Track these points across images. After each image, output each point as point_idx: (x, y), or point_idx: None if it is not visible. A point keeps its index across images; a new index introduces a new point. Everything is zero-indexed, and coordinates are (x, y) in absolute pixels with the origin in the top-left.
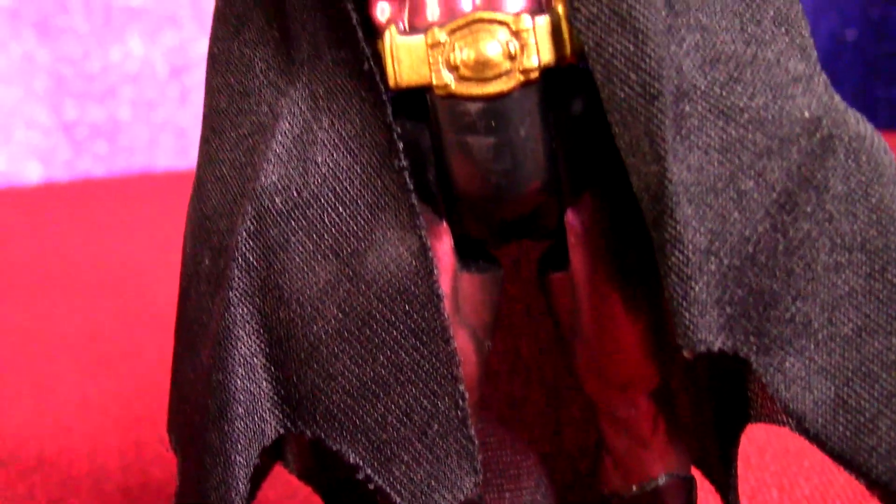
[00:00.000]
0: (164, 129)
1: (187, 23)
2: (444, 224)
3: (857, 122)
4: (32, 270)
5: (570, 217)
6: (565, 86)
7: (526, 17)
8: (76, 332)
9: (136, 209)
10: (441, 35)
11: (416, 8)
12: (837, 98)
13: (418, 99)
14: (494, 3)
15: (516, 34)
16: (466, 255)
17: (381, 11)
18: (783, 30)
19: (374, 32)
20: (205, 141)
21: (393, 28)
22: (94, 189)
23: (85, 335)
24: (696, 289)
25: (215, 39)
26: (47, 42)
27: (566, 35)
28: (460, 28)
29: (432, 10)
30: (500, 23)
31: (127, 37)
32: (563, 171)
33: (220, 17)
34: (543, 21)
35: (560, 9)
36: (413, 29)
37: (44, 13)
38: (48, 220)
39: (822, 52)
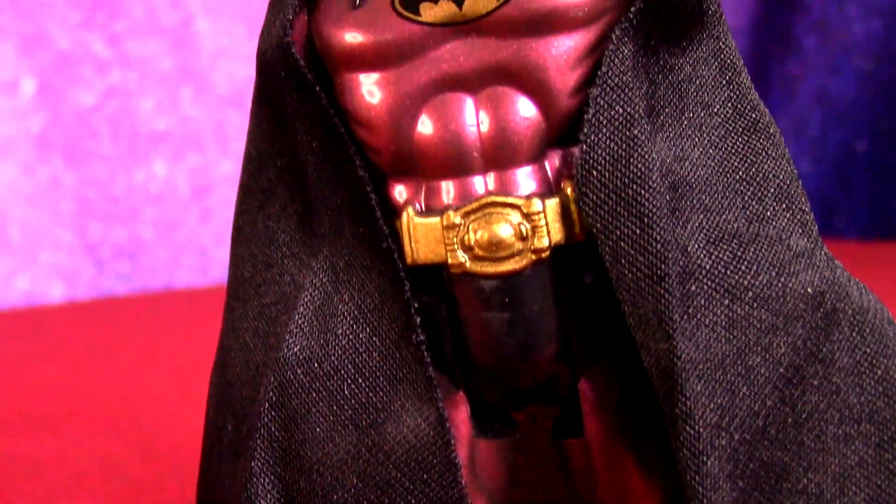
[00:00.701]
0: (185, 248)
1: (210, 145)
2: (461, 393)
3: (860, 295)
4: (51, 395)
5: (584, 385)
6: (576, 260)
7: (537, 202)
8: (96, 463)
9: (156, 326)
10: (456, 218)
11: (432, 190)
12: (839, 270)
13: (435, 271)
14: (507, 186)
15: (528, 217)
16: (482, 419)
17: (399, 193)
18: (784, 206)
19: (392, 210)
20: (229, 309)
21: (410, 209)
22: (116, 307)
23: (105, 466)
24: (709, 463)
25: (240, 212)
26: (74, 166)
27: (575, 216)
28: (474, 211)
29: (447, 193)
30: (513, 206)
31: (151, 159)
32: (576, 342)
33: (245, 191)
34: (553, 203)
35: (569, 190)
36: (429, 209)
37: (72, 138)
38: (69, 341)
39: (833, 164)
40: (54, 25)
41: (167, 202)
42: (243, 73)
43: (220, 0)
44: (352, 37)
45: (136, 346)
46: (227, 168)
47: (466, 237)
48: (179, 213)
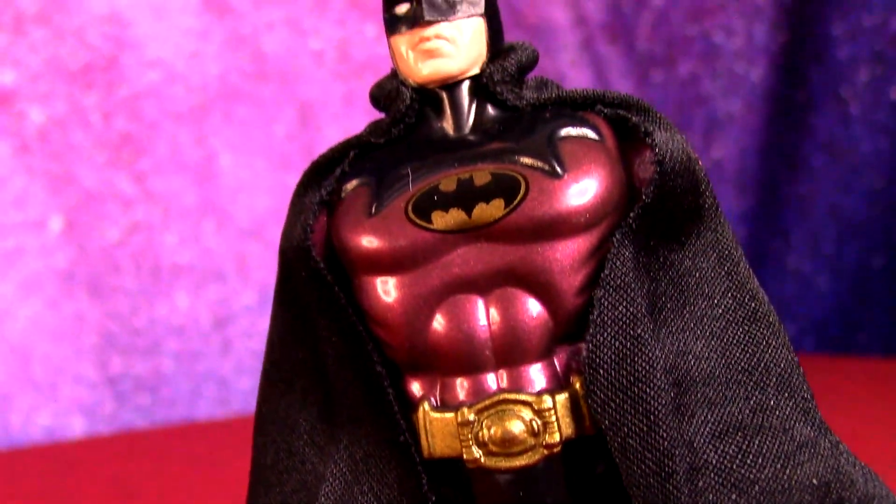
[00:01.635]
0: (206, 380)
1: (231, 277)
2: None
3: (866, 482)
4: None
5: None
6: (587, 450)
7: (547, 399)
8: None
9: (177, 459)
10: (470, 415)
11: (447, 386)
12: (844, 457)
13: (452, 461)
14: (518, 383)
15: (539, 413)
16: None
17: (415, 388)
18: (786, 395)
19: (408, 404)
20: (253, 495)
21: (426, 404)
22: (136, 441)
23: None
24: None
25: (263, 399)
26: (98, 300)
27: (585, 410)
28: (487, 408)
29: (461, 389)
30: (524, 403)
31: (173, 292)
32: None
33: (267, 378)
34: (563, 398)
35: (577, 385)
36: (444, 404)
37: (97, 274)
38: (91, 477)
39: (849, 280)
40: (81, 165)
41: (188, 334)
42: (263, 206)
43: (241, 137)
44: (368, 241)
45: (156, 480)
46: (248, 299)
47: (480, 433)
48: (200, 345)
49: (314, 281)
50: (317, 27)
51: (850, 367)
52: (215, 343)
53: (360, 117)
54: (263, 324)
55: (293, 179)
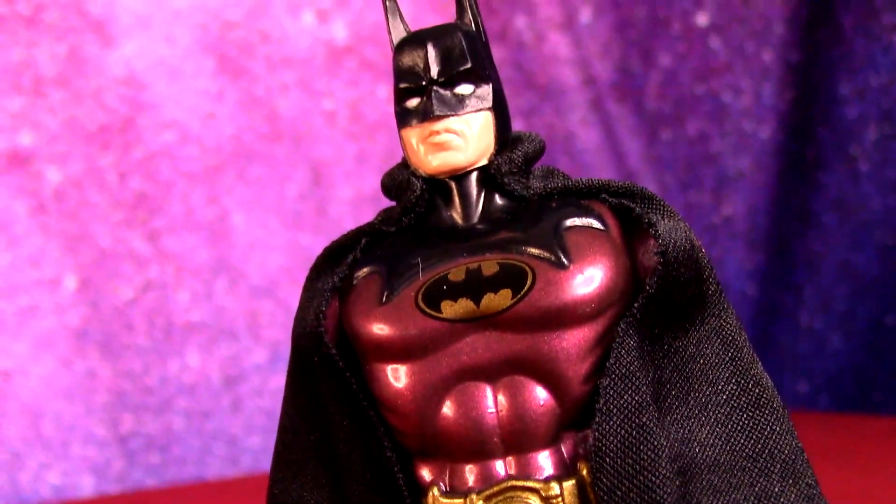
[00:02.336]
0: (216, 438)
1: (242, 335)
2: None
3: None
4: None
5: None
6: None
7: (555, 485)
8: None
9: None
10: (478, 501)
11: (456, 471)
12: None
13: None
14: (526, 469)
15: (546, 500)
16: None
17: (425, 473)
18: (790, 482)
19: (418, 488)
20: None
21: (435, 489)
22: (146, 500)
23: None
24: None
25: (274, 481)
26: (110, 358)
27: (592, 497)
28: (496, 494)
29: (470, 476)
30: (532, 490)
31: (185, 350)
32: None
33: (279, 460)
34: (570, 485)
35: (584, 472)
36: (453, 490)
37: (109, 331)
38: None
39: (863, 338)
40: (96, 224)
41: (199, 392)
42: (276, 264)
43: (254, 196)
44: (379, 329)
45: None
46: (259, 357)
47: None
48: (211, 403)
49: (326, 366)
50: (329, 88)
51: (865, 426)
52: (225, 401)
53: (371, 176)
54: (274, 382)
55: (305, 238)
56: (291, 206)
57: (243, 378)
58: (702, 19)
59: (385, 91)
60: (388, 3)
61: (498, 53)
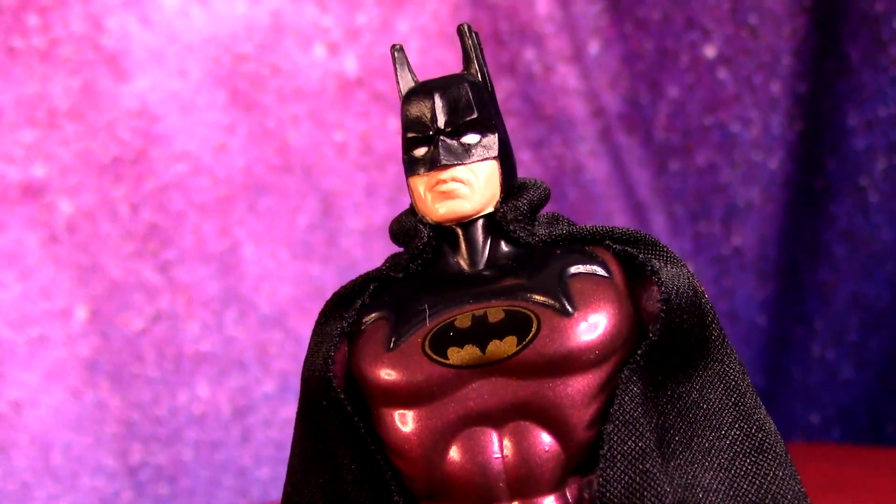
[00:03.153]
0: (225, 469)
1: (251, 364)
2: None
3: None
4: None
5: None
6: None
7: None
8: None
9: None
10: None
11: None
12: None
13: None
14: None
15: None
16: None
17: None
18: None
19: None
20: None
21: None
22: None
23: None
24: None
25: None
26: (119, 389)
27: None
28: None
29: None
30: None
31: (194, 381)
32: None
33: (287, 502)
34: None
35: None
36: None
37: (119, 362)
38: None
39: (875, 369)
40: (108, 255)
41: (208, 423)
42: (285, 295)
43: (265, 227)
44: (387, 375)
45: None
46: (268, 387)
47: None
48: (220, 434)
49: (334, 410)
50: (340, 120)
51: (878, 458)
52: (235, 432)
53: (381, 207)
54: (283, 412)
55: (315, 268)
56: (301, 236)
57: (253, 409)
58: (710, 51)
59: (394, 123)
60: (396, 54)
61: (507, 85)
